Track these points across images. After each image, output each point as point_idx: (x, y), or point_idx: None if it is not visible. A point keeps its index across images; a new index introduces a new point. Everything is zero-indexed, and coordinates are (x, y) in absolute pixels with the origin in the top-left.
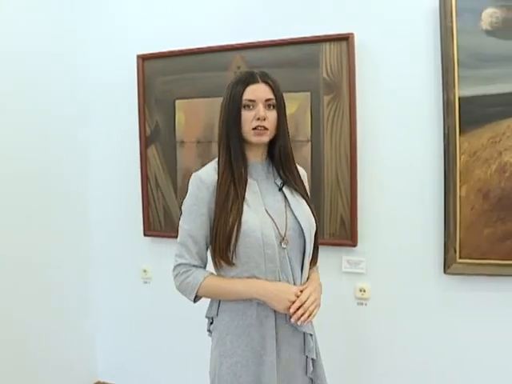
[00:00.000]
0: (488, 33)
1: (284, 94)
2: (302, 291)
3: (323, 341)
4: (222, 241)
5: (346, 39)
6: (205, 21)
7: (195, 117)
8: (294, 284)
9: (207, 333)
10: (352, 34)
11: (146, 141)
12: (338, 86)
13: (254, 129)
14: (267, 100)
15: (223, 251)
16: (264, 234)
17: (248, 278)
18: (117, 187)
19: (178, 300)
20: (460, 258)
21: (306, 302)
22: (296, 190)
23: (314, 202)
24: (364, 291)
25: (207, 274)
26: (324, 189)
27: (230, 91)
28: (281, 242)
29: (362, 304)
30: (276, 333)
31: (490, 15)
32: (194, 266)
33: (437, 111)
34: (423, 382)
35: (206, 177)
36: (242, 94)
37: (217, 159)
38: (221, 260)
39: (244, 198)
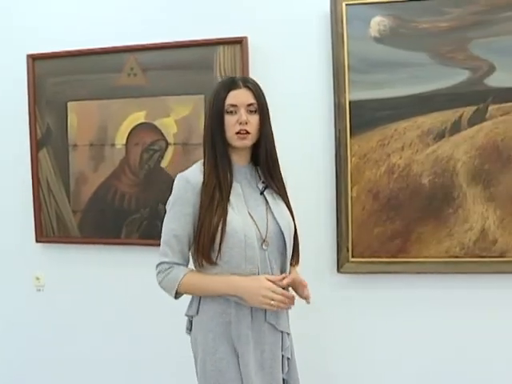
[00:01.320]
0: (376, 40)
1: (177, 97)
2: (283, 279)
3: None
4: (206, 240)
5: (239, 42)
6: (98, 21)
7: (88, 119)
8: None
9: (186, 331)
10: (246, 37)
11: (36, 144)
12: None
13: (237, 133)
14: (249, 105)
15: (206, 251)
16: (246, 236)
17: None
18: (7, 192)
19: (74, 306)
20: (352, 256)
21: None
22: (277, 193)
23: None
24: None
25: (187, 271)
26: None
27: (213, 97)
28: (262, 244)
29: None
30: (253, 332)
31: (378, 23)
32: (176, 263)
33: (328, 114)
34: (315, 383)
35: (192, 178)
36: (225, 99)
37: (202, 161)
38: (203, 259)
39: (229, 199)
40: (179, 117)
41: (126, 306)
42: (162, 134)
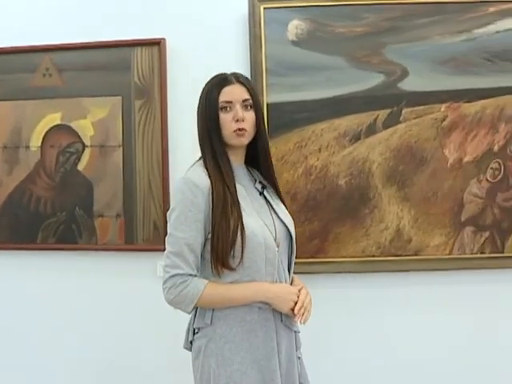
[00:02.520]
0: (294, 43)
1: (94, 98)
2: (299, 291)
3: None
4: (225, 247)
5: (157, 44)
6: (12, 19)
7: (1, 121)
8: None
9: (188, 345)
10: (163, 38)
11: None
12: (149, 90)
13: (235, 131)
14: (244, 100)
15: (226, 257)
16: (265, 238)
17: (249, 282)
18: None
19: None
20: None
21: (304, 300)
22: (274, 193)
23: (127, 208)
24: None
25: (207, 282)
26: (136, 194)
27: (204, 96)
28: (276, 245)
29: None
30: (276, 335)
31: (295, 27)
32: (191, 275)
33: None
34: None
35: (199, 181)
36: (218, 96)
37: (200, 162)
38: (222, 266)
39: (239, 202)
40: (96, 119)
41: (41, 311)
42: (78, 136)
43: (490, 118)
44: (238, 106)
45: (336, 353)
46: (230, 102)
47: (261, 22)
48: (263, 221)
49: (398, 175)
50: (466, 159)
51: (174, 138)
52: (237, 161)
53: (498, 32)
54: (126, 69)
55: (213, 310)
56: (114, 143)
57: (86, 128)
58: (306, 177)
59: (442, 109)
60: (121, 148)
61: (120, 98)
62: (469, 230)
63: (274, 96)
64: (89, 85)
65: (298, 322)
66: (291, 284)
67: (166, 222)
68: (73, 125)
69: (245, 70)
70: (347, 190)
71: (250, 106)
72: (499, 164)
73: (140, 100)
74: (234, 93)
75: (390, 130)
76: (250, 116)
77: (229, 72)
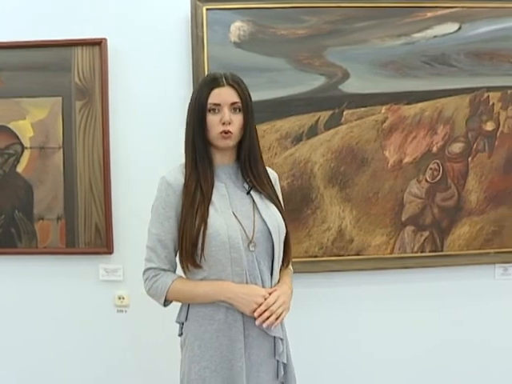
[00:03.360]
0: (236, 44)
1: (34, 99)
2: (270, 293)
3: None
4: (189, 244)
5: (98, 44)
6: None
7: None
8: (263, 286)
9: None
10: (105, 38)
11: None
12: (90, 91)
13: (221, 133)
14: (233, 103)
15: (189, 254)
16: (230, 237)
17: (215, 280)
18: None
19: None
20: None
21: (273, 304)
22: (264, 193)
23: (68, 210)
24: (123, 298)
25: (175, 278)
26: (77, 196)
27: (195, 95)
28: (248, 245)
29: (121, 311)
30: (244, 337)
31: (238, 28)
32: (163, 269)
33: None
34: None
35: (173, 180)
36: (207, 97)
37: (183, 162)
38: (188, 263)
39: (210, 201)
40: (36, 120)
41: None
42: (17, 137)
43: (429, 119)
44: (225, 109)
45: None
46: (219, 105)
47: (203, 23)
48: (239, 220)
49: (339, 176)
50: (405, 160)
51: (115, 138)
52: (223, 160)
53: (435, 36)
54: (66, 69)
55: (188, 307)
56: (54, 145)
57: (25, 129)
58: None
59: (383, 111)
60: (61, 149)
61: (60, 98)
62: (409, 229)
63: None
64: (28, 85)
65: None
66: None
67: (107, 225)
68: (11, 126)
69: (187, 71)
70: (289, 191)
71: (239, 109)
72: (438, 165)
73: (81, 101)
74: (223, 95)
75: (332, 131)
76: (238, 119)
77: (221, 72)
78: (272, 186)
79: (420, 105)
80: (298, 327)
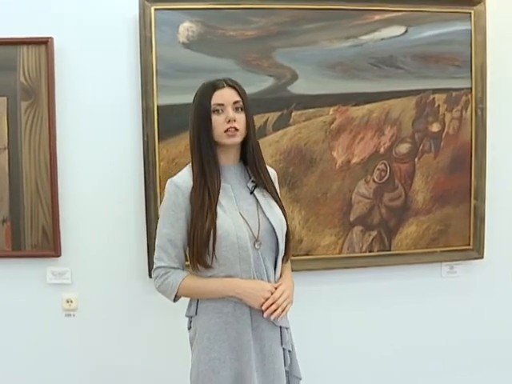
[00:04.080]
0: (185, 45)
1: None
2: (276, 288)
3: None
4: (200, 245)
5: (44, 43)
6: None
7: None
8: (269, 281)
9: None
10: (51, 38)
11: None
12: (36, 91)
13: (226, 131)
14: (235, 102)
15: (200, 255)
16: (239, 238)
17: (224, 277)
18: None
19: None
20: None
21: (279, 298)
22: (267, 191)
23: (14, 212)
24: (71, 302)
25: (186, 275)
26: (23, 198)
27: (198, 99)
28: (254, 244)
29: (70, 315)
30: (252, 329)
31: (186, 29)
32: (173, 267)
33: (137, 119)
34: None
35: (181, 183)
36: (211, 99)
37: (190, 164)
38: (198, 263)
39: (218, 202)
40: None
41: None
42: None
43: (377, 121)
44: (229, 108)
45: None
46: (222, 105)
47: (151, 24)
48: (245, 220)
49: (288, 177)
50: (353, 161)
51: (62, 139)
52: (229, 161)
53: (383, 39)
54: (11, 68)
55: (197, 301)
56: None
57: None
58: None
59: (331, 112)
60: (6, 150)
61: (5, 98)
62: (357, 229)
63: (164, 98)
64: None
65: (286, 318)
66: (278, 281)
67: (54, 227)
68: None
69: (135, 72)
70: None
71: (241, 108)
72: (385, 165)
73: (26, 101)
74: (225, 95)
75: (280, 132)
76: (241, 117)
77: (221, 77)
78: (273, 184)
79: (368, 106)
80: None
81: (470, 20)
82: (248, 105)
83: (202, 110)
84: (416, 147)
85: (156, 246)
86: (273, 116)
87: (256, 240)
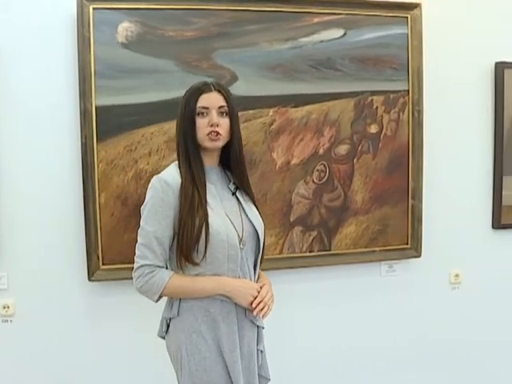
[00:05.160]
0: (123, 45)
1: None
2: (261, 287)
3: None
4: (189, 243)
5: None
6: None
7: None
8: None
9: (160, 334)
10: None
11: None
12: None
13: (208, 134)
14: (220, 107)
15: (189, 253)
16: (228, 236)
17: (212, 276)
18: None
19: None
20: (103, 264)
21: (265, 297)
22: (246, 194)
23: None
24: (8, 307)
25: (172, 274)
26: None
27: (185, 100)
28: (239, 243)
29: (7, 321)
30: (238, 328)
31: (125, 29)
32: (158, 266)
33: (75, 120)
34: None
35: (171, 180)
36: (196, 101)
37: (176, 163)
38: (186, 261)
39: (207, 201)
40: None
41: None
42: None
43: (316, 122)
44: (214, 112)
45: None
46: (207, 108)
47: (90, 23)
48: (230, 220)
49: None
50: (293, 162)
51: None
52: (211, 162)
53: (322, 41)
54: None
55: (179, 301)
56: None
57: None
58: (136, 181)
59: (270, 113)
60: None
61: None
62: (297, 229)
63: (102, 99)
64: None
65: (260, 317)
66: (257, 281)
67: None
68: None
69: (73, 72)
70: None
71: (226, 113)
72: (324, 166)
73: None
74: (211, 99)
75: None
76: (225, 122)
77: (209, 80)
78: (251, 189)
79: (307, 108)
80: None
81: (407, 24)
82: (234, 110)
83: (187, 112)
84: (355, 148)
85: (139, 244)
86: None
87: (240, 240)
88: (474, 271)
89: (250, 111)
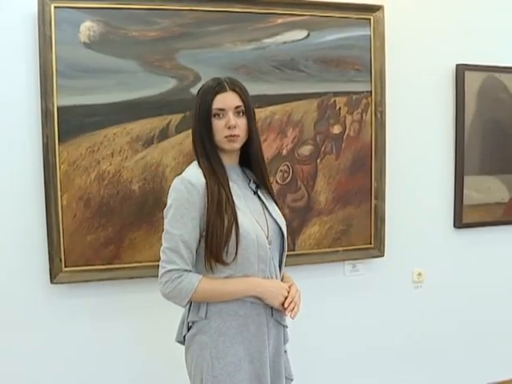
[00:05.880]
0: (86, 45)
1: None
2: (289, 287)
3: None
4: (219, 243)
5: None
6: None
7: None
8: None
9: (181, 338)
10: None
11: None
12: None
13: (226, 137)
14: (236, 107)
15: (219, 253)
16: (258, 236)
17: (242, 277)
18: None
19: None
20: (66, 266)
21: (294, 296)
22: (268, 193)
23: None
24: None
25: (201, 277)
26: None
27: (199, 100)
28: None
29: None
30: (268, 329)
31: (88, 28)
32: (186, 270)
33: (36, 120)
34: None
35: (195, 180)
36: (212, 103)
37: (196, 163)
38: (216, 262)
39: (234, 200)
40: None
41: None
42: None
43: (279, 123)
44: (230, 113)
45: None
46: (223, 110)
47: (51, 22)
48: (256, 219)
49: None
50: None
51: None
52: (230, 161)
53: (285, 43)
54: None
55: (207, 304)
56: None
57: None
58: (99, 182)
59: None
60: None
61: None
62: None
63: (64, 99)
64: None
65: (288, 317)
66: (281, 280)
67: None
68: None
69: (34, 72)
70: (141, 195)
71: (242, 112)
72: (288, 167)
73: None
74: (226, 100)
75: (183, 134)
76: (242, 122)
77: (223, 77)
78: (271, 186)
79: (270, 108)
80: (161, 328)
81: (370, 26)
82: (250, 108)
83: (202, 113)
84: (318, 149)
85: (164, 248)
86: (175, 118)
87: (267, 239)
88: (436, 270)
89: None
